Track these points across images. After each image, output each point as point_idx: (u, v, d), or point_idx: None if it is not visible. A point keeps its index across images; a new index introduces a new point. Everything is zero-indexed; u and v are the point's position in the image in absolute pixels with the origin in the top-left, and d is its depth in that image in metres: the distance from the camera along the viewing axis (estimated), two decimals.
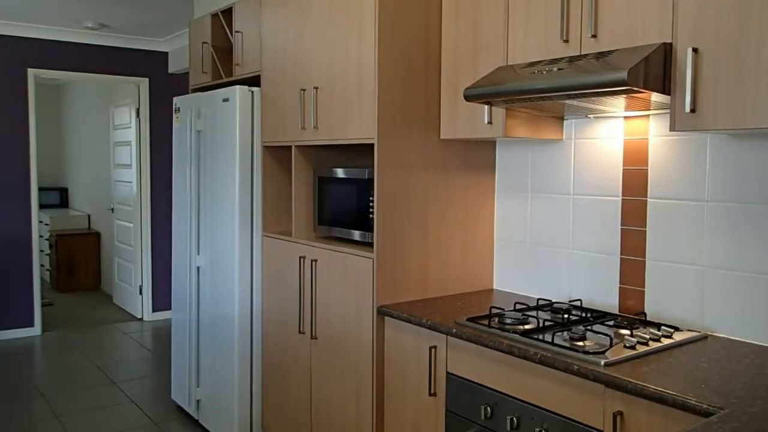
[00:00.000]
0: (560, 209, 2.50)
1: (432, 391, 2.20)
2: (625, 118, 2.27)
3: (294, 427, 2.91)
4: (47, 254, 7.39)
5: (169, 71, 5.87)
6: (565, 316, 2.18)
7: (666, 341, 1.89)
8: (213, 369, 3.30)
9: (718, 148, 2.02)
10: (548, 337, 1.90)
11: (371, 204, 2.56)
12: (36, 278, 5.36)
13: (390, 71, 2.41)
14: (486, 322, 2.10)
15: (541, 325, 2.05)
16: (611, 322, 2.10)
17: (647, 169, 2.20)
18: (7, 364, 4.60)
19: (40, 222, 7.45)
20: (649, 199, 2.20)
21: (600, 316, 2.19)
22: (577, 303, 2.41)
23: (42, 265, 7.56)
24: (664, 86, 1.77)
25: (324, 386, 2.71)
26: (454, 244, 2.64)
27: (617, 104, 2.02)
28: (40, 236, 7.39)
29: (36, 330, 5.38)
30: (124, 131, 6.10)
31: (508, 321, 2.07)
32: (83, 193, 7.84)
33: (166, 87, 5.88)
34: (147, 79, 5.79)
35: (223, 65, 3.53)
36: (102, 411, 3.75)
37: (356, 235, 2.66)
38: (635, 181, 2.24)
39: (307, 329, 2.80)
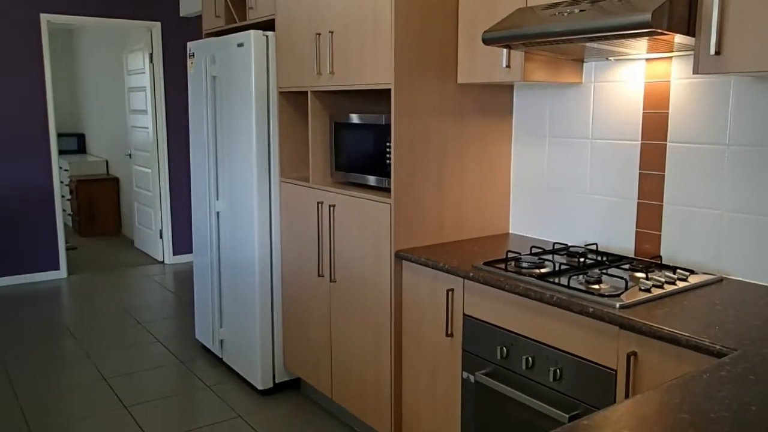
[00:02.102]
0: (578, 154, 2.49)
1: (449, 332, 2.26)
2: (647, 60, 2.23)
3: (315, 366, 3.02)
4: (68, 199, 7.51)
5: (181, 15, 5.79)
6: (581, 259, 2.21)
7: (681, 284, 1.91)
8: (235, 310, 3.40)
9: (742, 91, 1.99)
10: (564, 281, 1.93)
11: (388, 150, 2.57)
12: (59, 223, 5.48)
13: (406, 14, 2.38)
14: (502, 265, 2.14)
15: (557, 268, 2.08)
16: (627, 266, 2.13)
17: (668, 113, 2.18)
18: (37, 306, 4.77)
19: (60, 168, 7.54)
20: (668, 143, 2.19)
21: (616, 260, 2.22)
22: (593, 247, 2.44)
23: (63, 210, 7.69)
24: (689, 28, 1.74)
25: (343, 327, 2.79)
26: (471, 189, 2.65)
27: (639, 46, 1.98)
28: (60, 182, 7.49)
29: (62, 273, 5.53)
30: (138, 77, 6.08)
31: (525, 265, 2.11)
32: (100, 139, 7.89)
33: (178, 31, 5.82)
34: (159, 23, 5.72)
35: (237, 9, 3.49)
36: (130, 350, 3.90)
37: (373, 180, 2.68)
38: (655, 124, 2.22)
39: (326, 273, 2.86)
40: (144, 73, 5.91)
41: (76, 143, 8.34)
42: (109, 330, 4.26)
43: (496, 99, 2.68)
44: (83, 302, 4.89)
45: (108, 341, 4.06)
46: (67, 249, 6.28)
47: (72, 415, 3.08)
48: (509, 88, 2.72)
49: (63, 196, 7.65)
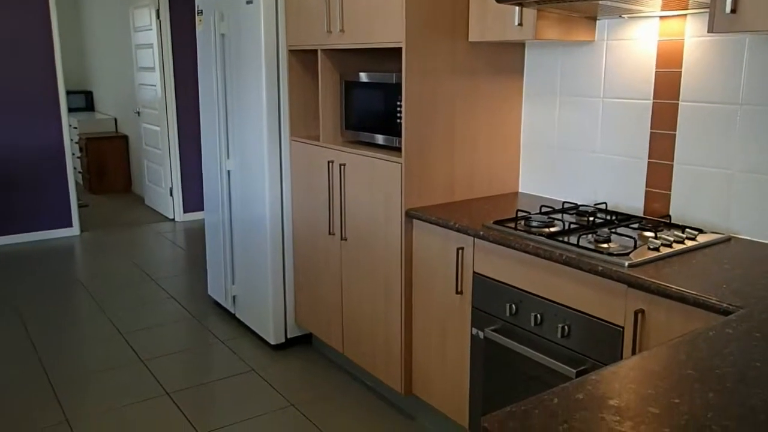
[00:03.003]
0: (589, 113, 2.49)
1: (459, 290, 2.30)
2: (661, 18, 2.20)
3: (326, 322, 3.08)
4: (78, 157, 7.54)
5: None
6: (591, 219, 2.23)
7: (690, 243, 1.94)
8: (247, 267, 3.46)
9: (757, 50, 1.97)
10: (573, 240, 1.96)
11: (399, 109, 2.57)
12: (71, 180, 5.53)
13: None
14: (512, 224, 2.16)
15: (566, 227, 2.10)
16: (636, 225, 2.15)
17: (681, 72, 2.17)
18: (52, 263, 4.85)
19: (69, 126, 7.55)
20: (680, 102, 2.18)
21: (625, 219, 2.24)
22: (603, 206, 2.46)
23: (74, 168, 7.73)
24: None
25: (354, 284, 2.84)
26: (481, 148, 2.66)
27: (653, 3, 1.96)
28: (70, 140, 7.51)
29: (75, 230, 5.61)
30: (145, 33, 6.03)
31: (534, 224, 2.13)
32: (108, 97, 7.87)
33: None
34: None
35: None
36: (144, 306, 3.98)
37: (383, 139, 2.69)
38: (667, 83, 2.21)
39: (337, 231, 2.90)
40: (151, 29, 5.86)
41: (84, 101, 8.33)
42: (123, 286, 4.35)
43: (508, 58, 2.66)
44: (97, 259, 4.97)
45: (122, 297, 4.14)
46: (79, 206, 6.34)
47: (91, 367, 3.18)
48: (521, 46, 2.70)
49: (73, 154, 7.68)
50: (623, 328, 1.75)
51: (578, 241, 1.91)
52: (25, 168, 5.32)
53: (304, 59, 3.14)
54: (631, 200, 2.38)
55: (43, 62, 5.25)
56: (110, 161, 7.28)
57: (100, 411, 2.78)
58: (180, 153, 6.00)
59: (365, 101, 2.77)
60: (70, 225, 5.57)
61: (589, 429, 0.93)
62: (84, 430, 2.64)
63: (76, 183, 7.60)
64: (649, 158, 2.30)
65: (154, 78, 5.97)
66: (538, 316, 2.00)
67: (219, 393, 2.94)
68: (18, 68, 5.17)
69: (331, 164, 2.88)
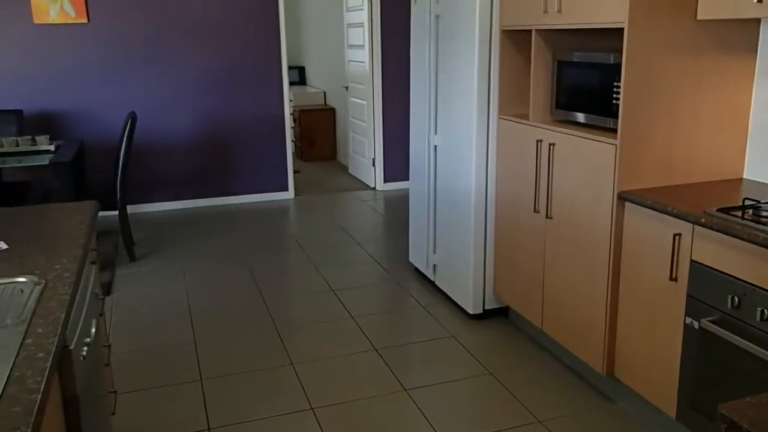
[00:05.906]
0: None
1: (673, 277, 2.26)
2: None
3: (525, 297, 3.17)
4: (292, 127, 8.29)
5: None
6: None
7: None
8: (449, 238, 3.64)
9: None
10: None
11: (615, 89, 2.54)
12: (289, 149, 6.13)
13: None
14: (739, 213, 2.07)
15: None
16: None
17: None
18: (273, 221, 5.47)
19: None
20: None
21: None
22: None
23: None
24: None
25: (557, 262, 2.88)
26: (702, 131, 2.54)
27: None
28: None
29: (290, 194, 6.23)
30: (356, 13, 6.42)
31: (765, 213, 2.02)
32: (319, 72, 8.51)
33: None
34: None
35: None
36: (350, 267, 4.37)
37: (596, 119, 2.68)
38: None
39: (543, 209, 2.95)
40: (362, 9, 6.22)
41: (297, 75, 9.08)
42: (332, 246, 4.79)
43: (738, 35, 2.50)
44: (309, 220, 5.50)
45: (332, 256, 4.57)
46: (294, 172, 7.00)
47: (309, 318, 3.59)
48: (755, 23, 2.51)
49: None
50: None
51: None
52: (253, 137, 6.01)
53: (516, 39, 3.19)
54: None
55: (269, 41, 5.84)
56: (319, 131, 7.92)
57: (318, 357, 3.15)
58: (383, 126, 6.35)
59: (578, 81, 2.77)
60: (286, 189, 6.20)
61: None
62: (306, 373, 3.01)
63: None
64: None
65: (363, 55, 6.36)
66: (766, 311, 1.91)
67: (421, 354, 3.18)
68: (250, 47, 5.81)
69: (539, 143, 2.93)
